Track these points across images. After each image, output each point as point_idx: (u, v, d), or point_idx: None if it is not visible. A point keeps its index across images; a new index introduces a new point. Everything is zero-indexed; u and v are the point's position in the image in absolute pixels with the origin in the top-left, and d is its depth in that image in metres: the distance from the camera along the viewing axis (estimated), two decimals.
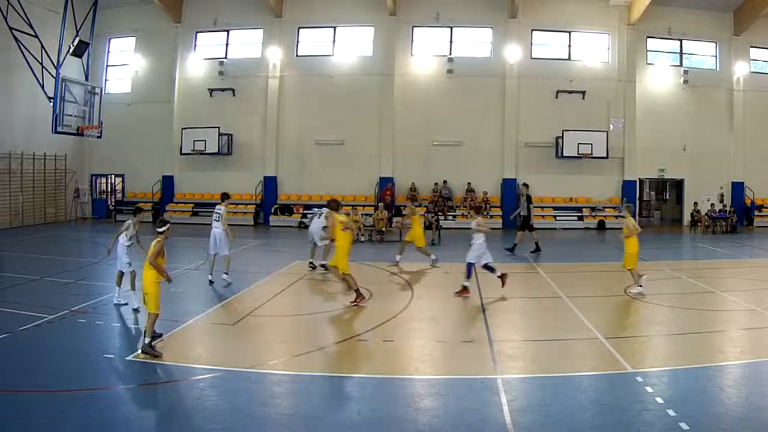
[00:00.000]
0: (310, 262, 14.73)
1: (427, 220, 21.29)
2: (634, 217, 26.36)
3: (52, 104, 22.27)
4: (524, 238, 18.34)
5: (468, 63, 27.26)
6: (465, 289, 11.87)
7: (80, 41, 23.37)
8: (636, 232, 12.18)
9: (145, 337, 7.87)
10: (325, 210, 13.52)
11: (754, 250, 19.96)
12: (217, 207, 13.11)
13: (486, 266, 12.17)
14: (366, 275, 14.42)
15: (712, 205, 26.29)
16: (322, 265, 13.58)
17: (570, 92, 27.06)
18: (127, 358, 7.83)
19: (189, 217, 27.47)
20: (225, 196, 13.48)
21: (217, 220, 12.90)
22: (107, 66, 29.31)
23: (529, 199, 18.77)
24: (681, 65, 27.67)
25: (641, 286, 12.00)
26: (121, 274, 10.69)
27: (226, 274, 12.69)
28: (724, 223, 25.22)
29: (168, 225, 8.60)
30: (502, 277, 12.06)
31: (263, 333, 9.41)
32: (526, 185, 19.34)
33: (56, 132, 22.79)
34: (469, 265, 12.03)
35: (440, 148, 27.30)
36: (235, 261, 14.30)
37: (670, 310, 10.95)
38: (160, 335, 8.31)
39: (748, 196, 27.62)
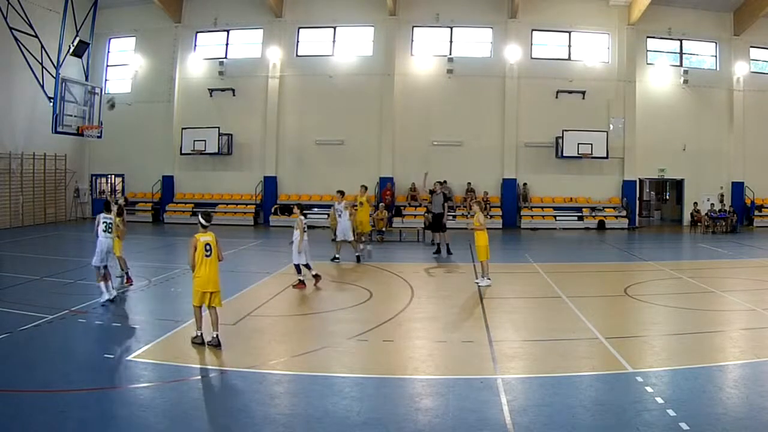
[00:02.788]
0: None
1: (427, 219, 21.32)
2: (633, 217, 26.91)
3: (52, 104, 22.29)
4: (446, 238, 17.54)
5: (468, 63, 27.26)
6: (301, 282, 12.52)
7: (80, 41, 23.39)
8: (484, 227, 13.10)
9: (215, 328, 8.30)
10: None
11: (754, 250, 19.95)
12: (338, 204, 16.00)
13: (306, 265, 12.65)
14: (366, 275, 14.45)
15: (713, 205, 26.28)
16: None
17: (570, 92, 27.07)
18: (127, 358, 7.83)
19: (189, 217, 27.44)
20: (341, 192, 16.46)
21: (340, 216, 15.96)
22: (107, 66, 29.30)
23: (445, 197, 17.97)
24: (681, 65, 27.68)
25: (489, 279, 12.84)
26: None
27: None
28: (724, 223, 25.22)
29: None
30: (316, 276, 12.74)
31: (263, 333, 9.40)
32: (440, 183, 18.68)
33: (56, 132, 22.81)
34: (297, 266, 12.62)
35: (440, 148, 27.29)
36: (234, 261, 14.35)
37: (670, 310, 10.95)
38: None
39: (748, 196, 27.62)
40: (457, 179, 27.14)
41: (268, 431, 5.91)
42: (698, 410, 6.13)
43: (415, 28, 27.78)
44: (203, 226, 8.40)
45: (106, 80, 28.80)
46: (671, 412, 5.98)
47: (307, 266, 12.64)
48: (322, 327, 9.94)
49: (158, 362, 7.67)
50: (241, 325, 9.51)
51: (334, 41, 28.04)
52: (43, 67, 22.31)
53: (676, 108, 27.41)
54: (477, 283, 12.95)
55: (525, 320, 10.62)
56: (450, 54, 27.42)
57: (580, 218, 27.03)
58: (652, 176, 28.62)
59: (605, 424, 5.90)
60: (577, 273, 15.56)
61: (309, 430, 5.88)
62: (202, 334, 8.26)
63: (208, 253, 8.17)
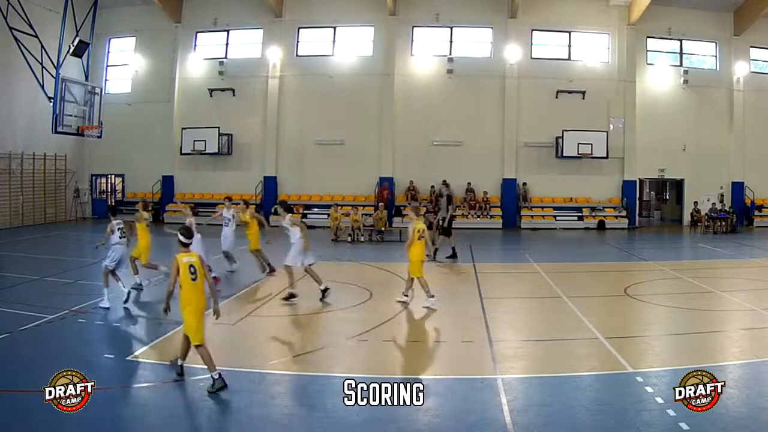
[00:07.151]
0: None
1: (427, 219, 21.31)
2: (633, 217, 26.89)
3: (52, 104, 22.29)
4: (443, 243, 17.04)
5: (468, 63, 27.26)
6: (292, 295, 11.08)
7: (80, 41, 23.39)
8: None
9: None
10: None
11: (754, 250, 19.94)
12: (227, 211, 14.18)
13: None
14: (366, 275, 14.45)
15: (714, 204, 26.26)
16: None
17: (570, 92, 27.05)
18: (127, 358, 7.82)
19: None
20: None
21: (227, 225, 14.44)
22: (107, 66, 29.29)
23: (449, 198, 17.24)
24: (681, 65, 27.67)
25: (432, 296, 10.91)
26: None
27: None
28: (723, 223, 25.21)
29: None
30: (324, 291, 11.22)
31: (263, 333, 9.41)
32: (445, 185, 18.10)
33: (56, 132, 22.82)
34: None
35: (440, 148, 27.28)
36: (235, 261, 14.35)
37: (670, 310, 10.96)
38: None
39: (748, 196, 27.61)
40: (457, 179, 27.09)
41: (268, 431, 5.92)
42: (698, 410, 6.13)
43: (415, 28, 27.77)
44: (183, 245, 7.08)
45: (106, 80, 28.77)
46: (671, 412, 5.98)
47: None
48: (322, 327, 9.94)
49: (158, 362, 7.67)
50: (240, 325, 9.52)
51: (334, 41, 28.03)
52: (43, 67, 22.31)
53: (676, 108, 27.40)
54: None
55: (525, 320, 10.62)
56: (450, 54, 27.41)
57: (580, 218, 27.03)
58: (652, 176, 28.62)
59: (605, 424, 5.91)
60: (577, 273, 15.55)
61: (309, 430, 5.88)
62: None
63: (194, 277, 6.85)
